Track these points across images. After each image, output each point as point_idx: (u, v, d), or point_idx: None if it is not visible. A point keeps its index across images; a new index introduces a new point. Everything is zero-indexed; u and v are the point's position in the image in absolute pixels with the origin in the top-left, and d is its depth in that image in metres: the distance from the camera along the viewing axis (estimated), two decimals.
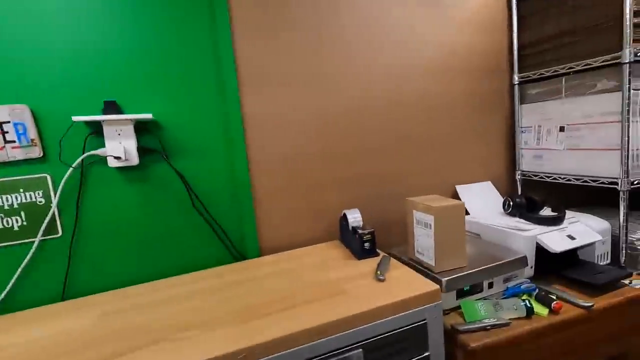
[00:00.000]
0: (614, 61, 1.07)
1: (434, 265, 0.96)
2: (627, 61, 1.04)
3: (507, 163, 1.49)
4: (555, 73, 1.26)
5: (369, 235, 1.02)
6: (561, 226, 1.10)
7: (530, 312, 0.89)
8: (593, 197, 1.52)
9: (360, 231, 1.02)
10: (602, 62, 1.10)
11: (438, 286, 0.83)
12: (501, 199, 1.39)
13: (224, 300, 0.85)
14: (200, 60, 1.04)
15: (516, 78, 1.41)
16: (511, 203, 1.22)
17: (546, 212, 1.21)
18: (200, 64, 1.04)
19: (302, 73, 1.16)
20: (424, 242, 0.99)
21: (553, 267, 1.08)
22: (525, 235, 1.06)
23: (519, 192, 1.47)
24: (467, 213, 1.32)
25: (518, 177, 1.46)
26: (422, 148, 1.34)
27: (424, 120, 1.33)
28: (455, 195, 1.38)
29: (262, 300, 0.83)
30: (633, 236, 1.16)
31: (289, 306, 0.79)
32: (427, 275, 0.97)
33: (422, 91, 1.31)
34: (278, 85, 1.13)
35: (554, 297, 0.94)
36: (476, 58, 1.38)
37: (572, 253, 1.12)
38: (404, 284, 0.85)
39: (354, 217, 1.11)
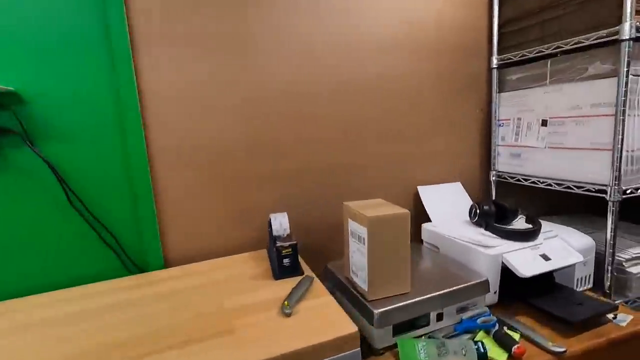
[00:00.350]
0: (610, 38, 0.85)
1: (366, 291, 0.75)
2: (626, 37, 0.82)
3: (481, 161, 1.27)
4: (539, 54, 1.04)
5: (290, 249, 0.80)
6: (534, 242, 0.89)
7: (482, 358, 0.68)
8: (580, 203, 1.31)
9: (279, 243, 0.80)
10: (596, 39, 0.88)
11: (356, 329, 0.61)
12: (470, 203, 1.18)
13: (65, 337, 0.63)
14: (79, 13, 0.80)
15: (495, 60, 1.18)
16: (477, 211, 1.00)
17: (519, 222, 1.00)
18: (79, 18, 0.80)
19: (222, 36, 0.92)
20: (358, 260, 0.78)
21: (522, 292, 0.88)
22: (488, 253, 0.85)
23: (493, 196, 1.26)
24: (428, 220, 1.11)
25: (493, 178, 1.24)
26: (378, 140, 1.11)
27: (381, 107, 1.10)
28: (417, 198, 1.17)
29: (116, 339, 0.61)
30: (621, 256, 0.95)
31: (146, 352, 0.57)
32: (358, 304, 0.76)
33: (380, 72, 1.08)
34: (189, 49, 0.90)
35: (517, 339, 0.74)
36: (448, 35, 1.15)
37: (546, 276, 0.91)
38: (316, 322, 0.63)
39: (280, 223, 0.89)
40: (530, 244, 0.89)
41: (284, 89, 0.99)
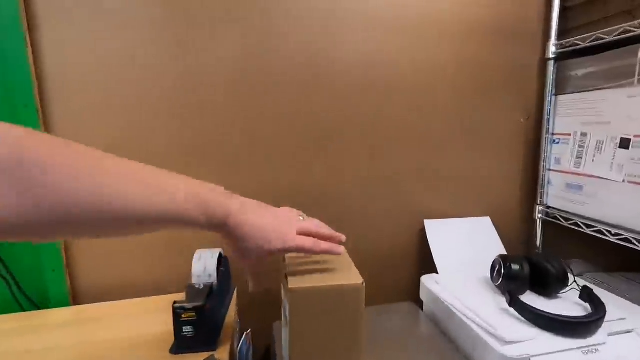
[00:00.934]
0: None
1: None
2: None
3: (524, 190, 0.91)
4: (624, 36, 0.67)
5: (193, 313, 0.55)
6: (592, 340, 0.55)
7: None
8: None
9: (177, 305, 0.55)
10: None
11: None
12: (502, 251, 0.84)
13: None
14: None
15: (552, 48, 0.82)
16: (502, 270, 0.67)
17: (568, 297, 0.65)
18: None
19: (149, 5, 0.69)
20: (285, 344, 0.51)
21: None
22: (506, 354, 0.53)
23: (538, 241, 0.89)
24: (435, 271, 0.79)
25: (539, 216, 0.88)
26: (368, 152, 0.82)
27: (373, 108, 0.80)
28: (422, 236, 0.85)
29: None
30: None
31: None
32: None
33: (372, 58, 0.78)
34: (106, 22, 0.68)
35: None
36: (484, 10, 0.81)
37: None
38: None
39: (203, 266, 0.65)
40: (584, 342, 0.54)
41: (235, 76, 0.74)
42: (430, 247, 0.82)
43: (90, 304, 0.72)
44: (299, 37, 0.75)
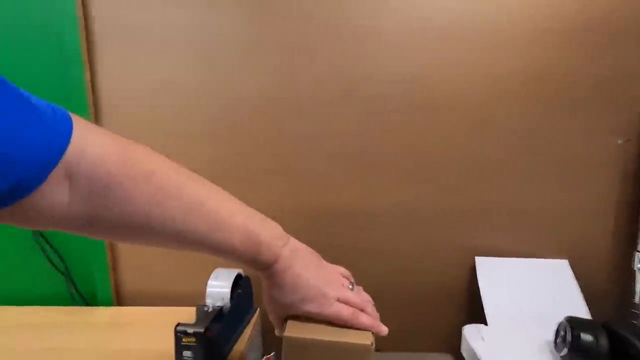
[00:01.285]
0: None
1: None
2: None
3: (619, 231, 0.71)
4: None
5: (193, 339, 0.54)
6: None
7: None
8: None
9: (179, 328, 0.54)
10: None
11: None
12: (581, 307, 0.66)
13: None
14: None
15: None
16: (569, 338, 0.52)
17: None
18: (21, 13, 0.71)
19: (181, 30, 0.70)
20: None
21: None
22: None
23: (637, 300, 0.68)
24: (484, 321, 0.66)
25: (638, 266, 0.67)
26: (409, 177, 0.72)
27: (416, 127, 0.70)
28: (473, 275, 0.72)
29: None
30: None
31: None
32: None
33: (423, 70, 0.68)
34: (155, 47, 0.71)
35: None
36: (570, 5, 0.65)
37: None
38: None
39: (219, 288, 0.63)
40: None
41: (266, 95, 0.71)
42: (480, 290, 0.69)
43: (129, 307, 0.77)
44: (334, 54, 0.69)
